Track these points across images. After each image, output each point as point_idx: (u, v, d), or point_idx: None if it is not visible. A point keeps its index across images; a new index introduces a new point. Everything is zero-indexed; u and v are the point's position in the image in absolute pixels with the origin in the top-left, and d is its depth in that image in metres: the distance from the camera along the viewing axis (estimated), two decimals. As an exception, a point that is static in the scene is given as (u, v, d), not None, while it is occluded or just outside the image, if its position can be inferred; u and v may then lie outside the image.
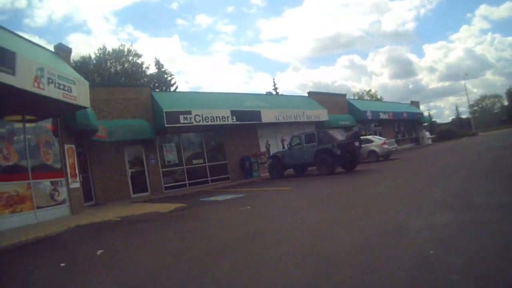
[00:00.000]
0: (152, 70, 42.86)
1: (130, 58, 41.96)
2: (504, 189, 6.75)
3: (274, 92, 50.44)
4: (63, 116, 11.47)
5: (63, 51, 12.83)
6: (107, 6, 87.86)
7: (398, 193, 8.23)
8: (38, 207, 9.94)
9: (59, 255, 6.05)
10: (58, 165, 11.23)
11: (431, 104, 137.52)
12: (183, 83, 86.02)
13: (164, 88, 40.17)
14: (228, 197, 12.15)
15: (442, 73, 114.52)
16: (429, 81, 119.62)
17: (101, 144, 15.47)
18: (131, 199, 15.80)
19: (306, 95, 28.54)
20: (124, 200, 15.55)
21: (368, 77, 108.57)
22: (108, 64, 40.55)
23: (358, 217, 5.94)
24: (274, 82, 67.03)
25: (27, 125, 10.41)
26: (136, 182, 17.14)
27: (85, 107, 10.82)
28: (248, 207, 9.27)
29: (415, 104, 43.64)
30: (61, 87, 9.23)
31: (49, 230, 8.17)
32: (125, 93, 17.73)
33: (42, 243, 7.19)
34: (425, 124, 45.11)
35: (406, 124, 38.87)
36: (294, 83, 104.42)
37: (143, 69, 42.33)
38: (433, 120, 60.45)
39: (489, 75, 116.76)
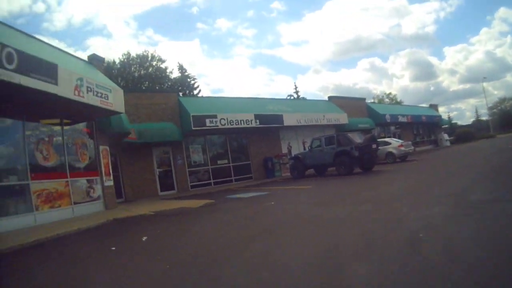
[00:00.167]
0: (175, 74, 43.09)
1: (154, 63, 41.91)
2: (500, 188, 7.24)
3: (295, 95, 50.49)
4: (98, 120, 11.90)
5: (96, 61, 13.34)
6: (127, 10, 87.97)
7: (407, 191, 8.72)
8: (75, 203, 10.40)
9: (106, 242, 6.56)
10: (93, 165, 11.69)
11: (452, 106, 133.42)
12: (204, 86, 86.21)
13: (188, 91, 40.49)
14: (253, 194, 12.55)
15: (463, 76, 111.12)
16: (450, 83, 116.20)
17: (131, 145, 15.92)
18: (159, 197, 16.17)
19: (327, 98, 28.68)
20: (152, 197, 15.93)
21: (389, 80, 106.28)
22: (132, 68, 40.66)
23: (368, 210, 6.56)
24: (295, 85, 66.77)
25: (64, 128, 10.85)
26: (163, 181, 17.56)
27: (120, 112, 11.24)
28: (272, 203, 9.69)
29: (434, 107, 42.85)
30: (99, 94, 9.68)
31: (90, 222, 8.66)
32: (152, 98, 18.16)
33: (86, 234, 7.67)
34: (445, 126, 44.27)
35: (425, 127, 38.20)
36: (315, 85, 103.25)
37: (167, 73, 42.30)
38: (453, 122, 59.07)
39: (509, 77, 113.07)
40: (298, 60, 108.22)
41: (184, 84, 41.69)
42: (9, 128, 9.13)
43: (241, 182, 19.42)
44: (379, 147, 18.13)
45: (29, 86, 7.32)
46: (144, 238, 6.40)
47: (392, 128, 32.71)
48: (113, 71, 38.22)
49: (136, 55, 41.60)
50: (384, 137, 25.86)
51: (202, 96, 34.65)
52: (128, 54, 41.34)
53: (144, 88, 36.28)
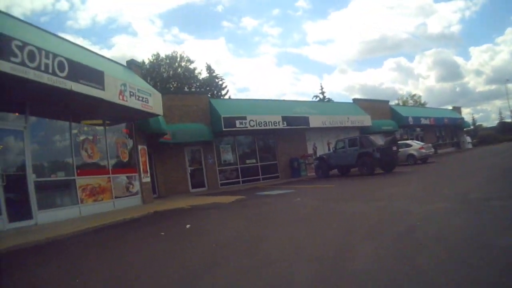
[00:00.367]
0: (203, 74, 42.55)
1: (183, 63, 41.32)
2: (507, 188, 7.61)
3: (321, 96, 50.03)
4: (137, 121, 12.27)
5: (134, 66, 13.79)
6: (152, 9, 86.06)
7: (420, 190, 9.18)
8: (116, 197, 10.86)
9: (154, 229, 7.14)
10: (132, 163, 12.13)
11: (478, 107, 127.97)
12: (230, 84, 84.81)
13: (216, 91, 40.34)
14: (280, 192, 12.83)
15: (489, 76, 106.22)
16: (476, 84, 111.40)
17: (165, 145, 16.23)
18: (190, 193, 16.50)
19: (352, 99, 28.40)
20: (184, 194, 16.25)
21: (415, 80, 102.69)
22: (162, 69, 40.23)
23: (381, 206, 7.13)
24: (321, 86, 66.14)
25: (106, 128, 11.25)
26: (194, 179, 17.86)
27: (158, 115, 11.56)
28: (299, 199, 10.03)
29: (457, 109, 41.62)
30: (140, 98, 10.02)
31: (133, 214, 9.07)
32: (184, 99, 18.46)
33: (132, 223, 8.12)
34: (468, 128, 43.02)
35: (447, 129, 37.15)
36: (341, 85, 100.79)
37: (195, 74, 41.73)
38: (477, 124, 57.30)
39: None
40: (324, 59, 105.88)
41: (212, 84, 41.33)
42: (58, 128, 9.62)
43: (268, 181, 19.53)
44: (400, 149, 18.31)
45: (80, 92, 7.64)
46: (188, 226, 6.96)
47: (418, 130, 32.04)
48: (142, 71, 38.55)
49: (165, 55, 41.32)
50: (407, 139, 25.42)
51: (230, 98, 34.98)
52: (158, 54, 41.15)
53: (172, 89, 36.50)
